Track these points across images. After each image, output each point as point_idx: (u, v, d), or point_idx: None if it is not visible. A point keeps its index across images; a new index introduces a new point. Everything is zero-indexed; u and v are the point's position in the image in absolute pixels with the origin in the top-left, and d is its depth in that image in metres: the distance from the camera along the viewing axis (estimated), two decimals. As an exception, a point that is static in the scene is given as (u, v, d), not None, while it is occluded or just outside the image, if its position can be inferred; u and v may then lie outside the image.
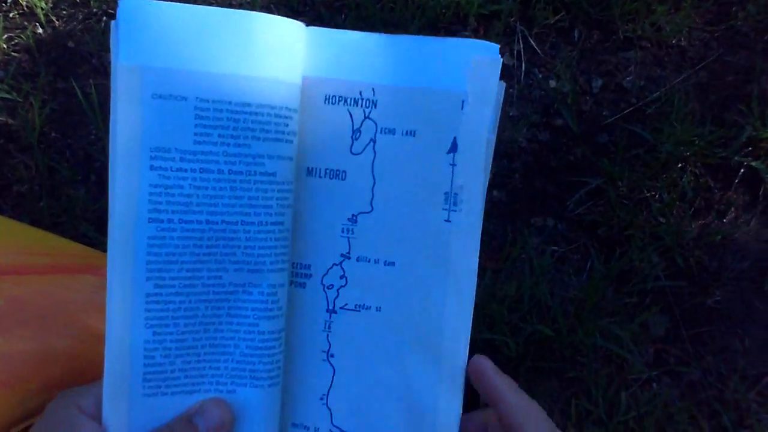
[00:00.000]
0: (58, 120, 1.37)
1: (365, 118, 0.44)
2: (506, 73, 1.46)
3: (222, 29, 0.39)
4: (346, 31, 0.45)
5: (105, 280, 0.40)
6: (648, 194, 1.33)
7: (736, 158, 1.35)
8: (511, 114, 1.43)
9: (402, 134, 0.44)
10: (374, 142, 0.44)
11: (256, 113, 0.40)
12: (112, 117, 0.39)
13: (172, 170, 0.39)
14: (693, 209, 1.34)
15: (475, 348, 1.18)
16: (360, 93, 0.44)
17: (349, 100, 0.44)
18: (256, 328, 0.42)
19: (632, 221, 1.30)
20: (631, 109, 1.43)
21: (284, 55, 0.42)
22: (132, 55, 0.38)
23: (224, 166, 0.40)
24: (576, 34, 1.51)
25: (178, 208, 0.39)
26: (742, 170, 1.35)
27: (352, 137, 0.45)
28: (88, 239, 1.22)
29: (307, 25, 0.44)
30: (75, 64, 1.40)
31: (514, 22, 1.49)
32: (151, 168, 0.39)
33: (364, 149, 0.45)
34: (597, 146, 1.40)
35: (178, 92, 0.38)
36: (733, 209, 1.34)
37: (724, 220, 1.33)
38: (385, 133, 0.44)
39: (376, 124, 0.44)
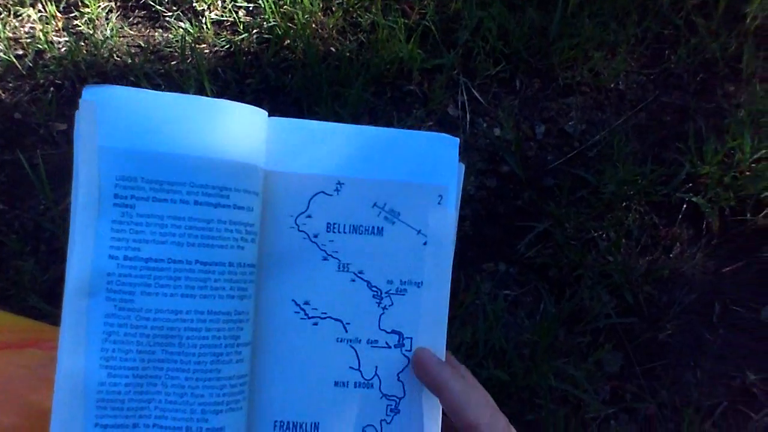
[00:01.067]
0: (6, 192, 1.38)
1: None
2: (451, 124, 1.51)
3: (184, 113, 0.41)
4: (309, 121, 0.46)
5: (52, 353, 0.41)
6: (595, 234, 1.38)
7: (677, 195, 1.40)
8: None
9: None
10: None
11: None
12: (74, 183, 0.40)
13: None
14: (639, 246, 1.38)
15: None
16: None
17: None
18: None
19: (581, 261, 1.34)
20: (574, 152, 1.48)
21: (246, 141, 0.42)
22: (107, 137, 0.40)
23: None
24: (517, 83, 1.57)
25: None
26: (684, 206, 1.41)
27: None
28: (37, 311, 1.23)
29: (270, 115, 0.45)
30: (22, 134, 1.43)
31: (456, 75, 1.55)
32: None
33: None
34: (543, 190, 1.44)
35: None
36: (678, 244, 1.39)
37: (671, 255, 1.38)
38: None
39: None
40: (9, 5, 1.57)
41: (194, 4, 1.59)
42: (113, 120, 0.40)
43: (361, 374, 0.46)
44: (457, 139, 0.47)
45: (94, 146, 0.40)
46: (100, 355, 0.40)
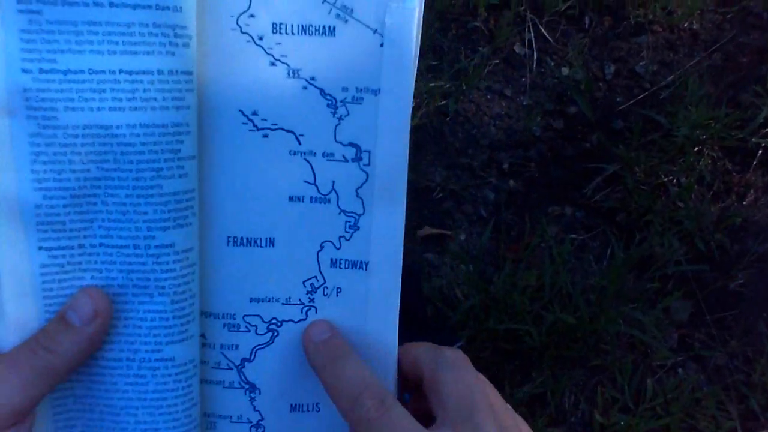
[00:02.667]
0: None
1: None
2: (518, 63, 1.46)
3: None
4: None
5: None
6: (665, 179, 1.33)
7: (753, 140, 1.35)
8: (524, 103, 1.43)
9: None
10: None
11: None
12: None
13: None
14: (712, 193, 1.34)
15: (497, 338, 1.19)
16: None
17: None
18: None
19: (650, 207, 1.30)
20: (645, 94, 1.43)
21: None
22: None
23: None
24: (587, 21, 1.51)
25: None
26: (759, 152, 1.36)
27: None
28: None
29: None
30: None
31: (524, 11, 1.50)
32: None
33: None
34: (612, 132, 1.40)
35: None
36: (752, 191, 1.34)
37: (744, 203, 1.34)
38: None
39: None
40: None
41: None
42: None
43: (317, 189, 0.42)
44: None
45: None
46: (32, 177, 0.37)
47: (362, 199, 0.42)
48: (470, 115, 1.42)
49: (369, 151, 0.41)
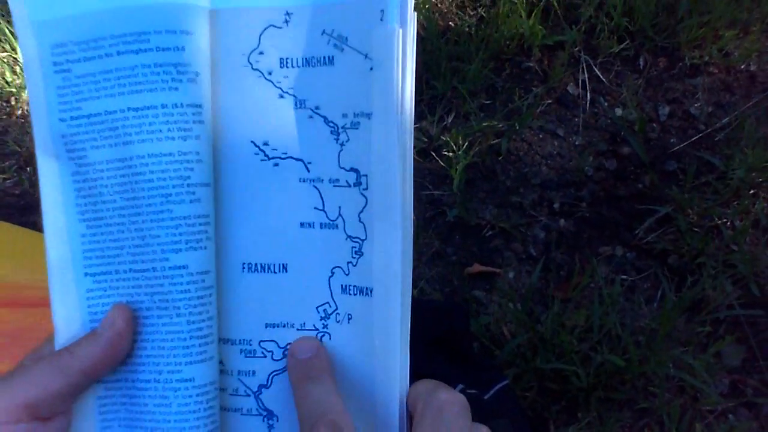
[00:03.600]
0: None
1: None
2: (571, 103, 1.48)
3: None
4: None
5: None
6: (719, 221, 1.32)
7: (811, 184, 1.33)
8: (577, 143, 1.44)
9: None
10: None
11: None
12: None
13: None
14: (767, 236, 1.32)
15: (543, 378, 1.19)
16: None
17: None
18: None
19: (703, 249, 1.29)
20: (699, 135, 1.42)
21: None
22: (35, 12, 0.41)
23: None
24: (641, 62, 1.51)
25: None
26: (818, 196, 1.33)
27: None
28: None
29: None
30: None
31: (578, 52, 1.51)
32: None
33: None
34: (665, 174, 1.40)
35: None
36: (809, 236, 1.32)
37: (801, 248, 1.31)
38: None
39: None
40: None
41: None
42: None
43: (326, 215, 0.44)
44: None
45: (27, 23, 0.41)
46: (77, 210, 0.42)
47: (364, 224, 0.43)
48: (522, 154, 1.44)
49: (366, 175, 0.43)
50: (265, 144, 0.44)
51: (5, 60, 1.59)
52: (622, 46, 1.51)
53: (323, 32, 0.43)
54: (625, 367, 1.19)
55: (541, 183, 1.41)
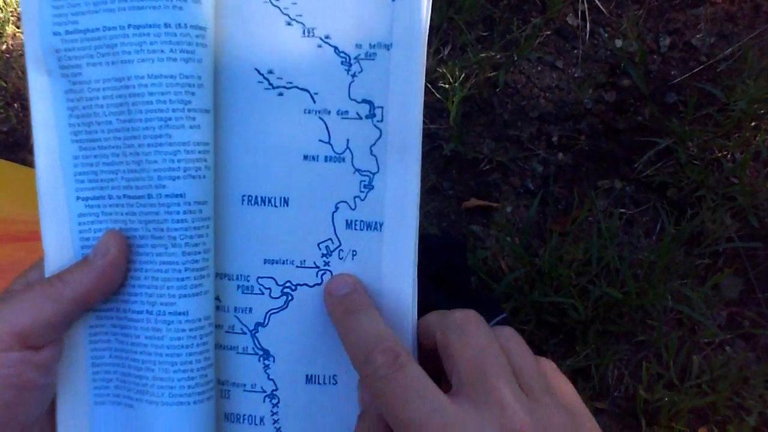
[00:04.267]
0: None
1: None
2: (570, 34, 1.44)
3: None
4: None
5: None
6: (720, 154, 1.31)
7: (814, 115, 1.31)
8: (576, 75, 1.41)
9: None
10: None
11: None
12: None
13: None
14: (767, 169, 1.30)
15: (541, 311, 1.19)
16: None
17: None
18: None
19: (703, 182, 1.28)
20: (701, 67, 1.40)
21: None
22: None
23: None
24: (642, -8, 1.48)
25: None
26: (820, 128, 1.31)
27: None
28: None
29: None
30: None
31: (577, -18, 1.47)
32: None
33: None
34: (666, 106, 1.37)
35: None
36: (811, 168, 1.30)
37: (802, 180, 1.30)
38: None
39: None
40: None
41: None
42: None
43: (332, 147, 0.42)
44: None
45: None
46: (69, 131, 0.41)
47: (376, 157, 0.42)
48: (520, 86, 1.41)
49: (382, 107, 0.41)
50: (270, 72, 0.42)
51: (-14, -7, 1.54)
52: (623, -25, 1.47)
53: None
54: (623, 300, 1.19)
55: (540, 116, 1.38)
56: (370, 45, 0.41)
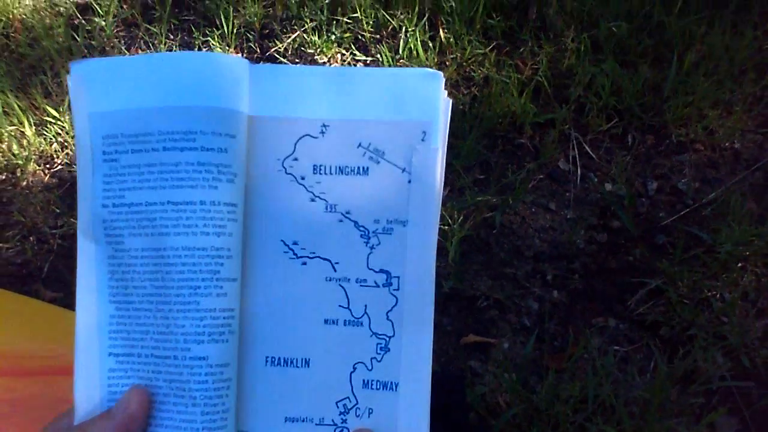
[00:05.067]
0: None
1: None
2: (562, 178, 1.55)
3: (155, 69, 0.44)
4: (291, 65, 0.49)
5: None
6: (709, 294, 1.37)
7: (797, 257, 1.39)
8: (568, 216, 1.50)
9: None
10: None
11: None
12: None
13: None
14: (756, 309, 1.36)
15: (540, 448, 1.20)
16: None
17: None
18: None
19: (694, 321, 1.34)
20: (687, 210, 1.49)
21: (221, 87, 0.45)
22: (93, 103, 0.45)
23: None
24: (630, 140, 1.59)
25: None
26: (804, 269, 1.39)
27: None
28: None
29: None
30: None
31: (568, 130, 1.59)
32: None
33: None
34: (655, 247, 1.45)
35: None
36: (797, 308, 1.37)
37: (789, 320, 1.36)
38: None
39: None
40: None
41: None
42: (97, 87, 0.45)
43: (351, 312, 0.47)
44: (440, 73, 0.46)
45: (85, 113, 0.45)
46: (108, 292, 0.45)
47: (392, 322, 0.47)
48: (515, 227, 1.50)
49: (398, 277, 0.47)
50: (295, 243, 0.47)
51: (13, 133, 1.66)
52: (610, 124, 1.59)
53: (359, 145, 0.47)
54: (619, 438, 1.22)
55: (534, 255, 1.46)
56: (387, 221, 0.47)
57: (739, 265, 1.40)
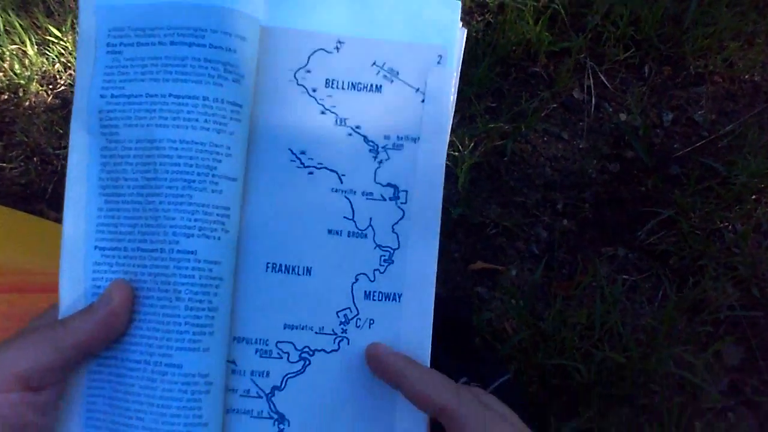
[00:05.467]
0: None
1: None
2: (576, 107, 1.53)
3: None
4: None
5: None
6: (721, 225, 1.37)
7: (812, 190, 1.38)
8: (580, 146, 1.49)
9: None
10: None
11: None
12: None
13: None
14: (768, 241, 1.36)
15: (545, 373, 1.23)
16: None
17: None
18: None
19: (705, 251, 1.33)
20: (702, 141, 1.47)
21: None
22: None
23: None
24: (646, 70, 1.57)
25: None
26: (819, 202, 1.38)
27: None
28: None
29: None
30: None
31: (584, 59, 1.57)
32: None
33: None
34: (668, 178, 1.44)
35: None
36: (810, 241, 1.36)
37: (802, 252, 1.36)
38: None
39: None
40: None
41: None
42: None
43: (355, 224, 0.47)
44: (459, 2, 0.47)
45: (91, 5, 0.45)
46: (98, 184, 0.45)
47: (397, 235, 0.47)
48: (527, 155, 1.48)
49: (406, 191, 0.47)
50: (302, 153, 0.48)
51: (14, 52, 1.64)
52: (627, 54, 1.56)
53: (374, 63, 0.47)
54: (625, 364, 1.23)
55: (545, 184, 1.45)
56: (398, 137, 0.47)
57: (753, 197, 1.39)
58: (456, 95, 0.48)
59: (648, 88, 1.55)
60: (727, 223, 1.37)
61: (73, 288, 0.46)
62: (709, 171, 1.43)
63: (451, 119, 0.48)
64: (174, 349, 0.43)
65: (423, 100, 0.47)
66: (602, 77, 1.55)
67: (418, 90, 0.47)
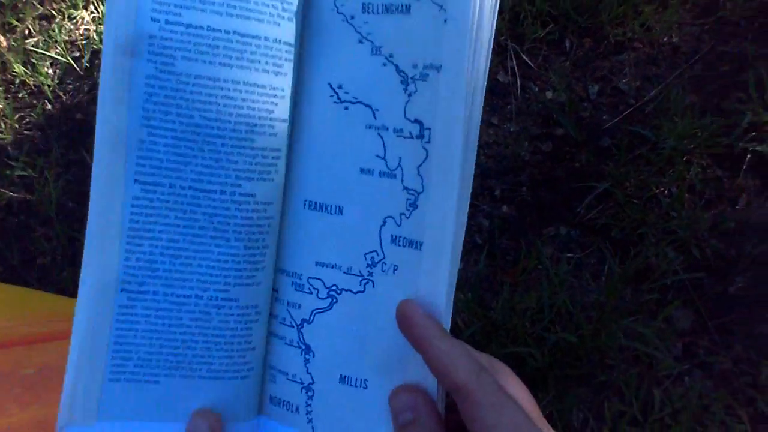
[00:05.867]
0: (74, 190, 1.46)
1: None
2: (502, 91, 1.54)
3: None
4: None
5: None
6: (656, 191, 1.39)
7: (740, 144, 1.40)
8: (511, 129, 1.50)
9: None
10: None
11: None
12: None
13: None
14: (703, 200, 1.39)
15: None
16: None
17: None
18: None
19: (644, 219, 1.35)
20: (630, 110, 1.49)
21: None
22: None
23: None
24: (567, 44, 1.58)
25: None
26: (748, 156, 1.41)
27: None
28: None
29: None
30: (85, 134, 1.51)
31: (504, 41, 1.58)
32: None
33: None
34: (600, 150, 1.46)
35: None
36: (744, 195, 1.39)
37: (737, 207, 1.38)
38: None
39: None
40: (63, 9, 1.65)
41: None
42: None
43: (386, 163, 0.45)
44: None
45: None
46: (142, 114, 0.43)
47: (422, 177, 0.44)
48: (459, 146, 1.49)
49: (430, 129, 0.43)
50: (340, 87, 0.46)
51: None
52: (546, 30, 1.58)
53: None
54: (578, 343, 1.24)
55: (481, 172, 1.46)
56: (423, 66, 0.44)
57: (684, 158, 1.41)
58: (495, 16, 0.42)
59: (571, 62, 1.56)
60: (662, 188, 1.39)
61: (106, 219, 0.44)
62: (638, 138, 1.45)
63: (484, 45, 0.41)
64: (231, 284, 0.45)
65: (445, 20, 0.42)
66: (525, 57, 1.57)
67: (441, 7, 0.43)
